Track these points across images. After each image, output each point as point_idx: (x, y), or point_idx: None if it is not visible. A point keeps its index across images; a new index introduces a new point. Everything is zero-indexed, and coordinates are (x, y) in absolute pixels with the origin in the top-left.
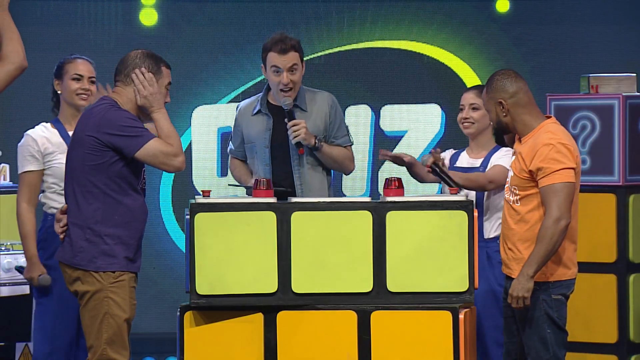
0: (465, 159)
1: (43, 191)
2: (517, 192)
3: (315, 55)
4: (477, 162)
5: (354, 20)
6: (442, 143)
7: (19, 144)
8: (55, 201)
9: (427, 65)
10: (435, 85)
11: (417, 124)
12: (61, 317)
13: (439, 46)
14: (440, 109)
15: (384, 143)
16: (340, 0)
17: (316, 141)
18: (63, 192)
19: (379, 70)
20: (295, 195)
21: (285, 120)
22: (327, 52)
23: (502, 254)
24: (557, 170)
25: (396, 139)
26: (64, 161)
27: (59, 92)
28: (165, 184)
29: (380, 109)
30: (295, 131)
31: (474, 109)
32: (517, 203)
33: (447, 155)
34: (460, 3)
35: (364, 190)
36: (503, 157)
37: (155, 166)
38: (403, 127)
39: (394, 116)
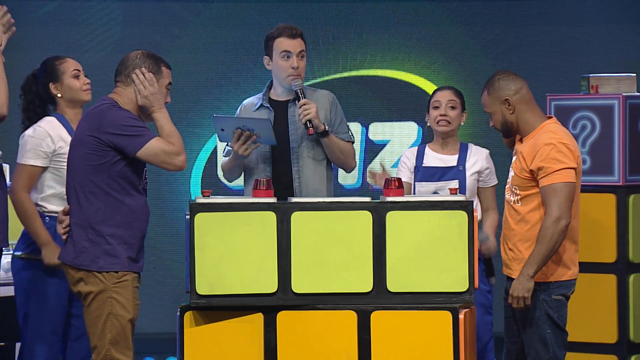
0: (435, 157)
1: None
2: (517, 192)
3: (316, 80)
4: (453, 160)
5: (353, 49)
6: None
7: (29, 133)
8: (55, 205)
9: (406, 91)
10: (412, 106)
11: (399, 135)
12: (51, 313)
13: (417, 74)
14: (416, 125)
15: (372, 150)
16: (337, 29)
17: (325, 125)
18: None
19: (369, 95)
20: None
21: (295, 103)
22: (325, 78)
23: (503, 255)
24: (558, 170)
25: (381, 145)
26: None
27: (58, 95)
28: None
29: (369, 125)
30: (305, 109)
31: (452, 107)
32: (518, 203)
33: (409, 155)
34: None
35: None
36: (487, 173)
37: (157, 165)
38: (386, 137)
39: (377, 131)
